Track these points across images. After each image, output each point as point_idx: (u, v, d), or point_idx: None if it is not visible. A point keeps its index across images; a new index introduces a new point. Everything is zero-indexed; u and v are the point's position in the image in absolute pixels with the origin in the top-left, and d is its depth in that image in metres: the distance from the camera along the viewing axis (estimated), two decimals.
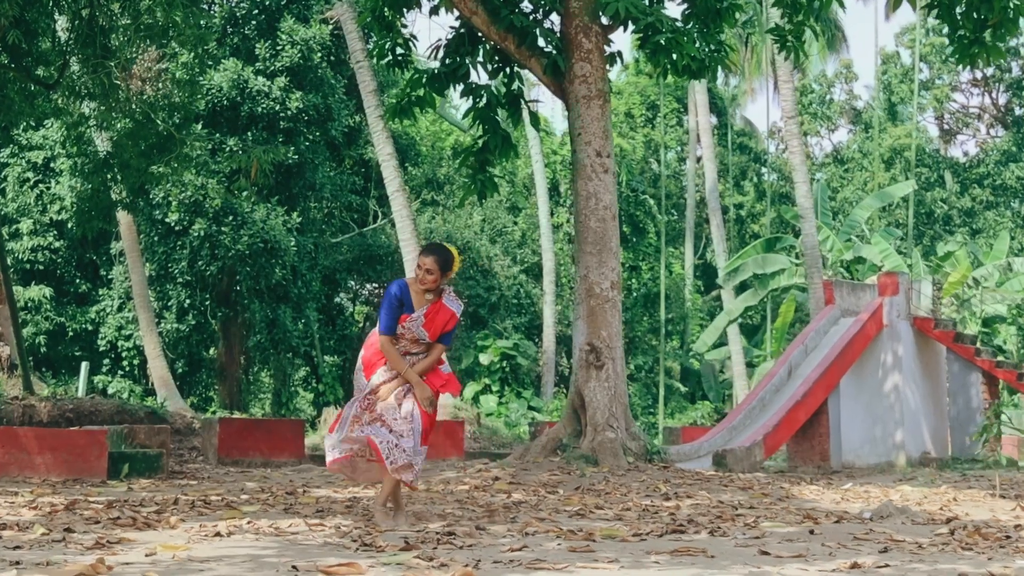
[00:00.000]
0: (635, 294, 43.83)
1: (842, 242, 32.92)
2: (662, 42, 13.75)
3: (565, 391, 35.56)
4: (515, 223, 38.89)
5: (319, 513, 7.83)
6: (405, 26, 15.14)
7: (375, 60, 14.91)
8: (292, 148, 26.72)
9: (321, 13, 27.55)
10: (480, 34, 14.43)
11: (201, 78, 19.47)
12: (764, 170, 50.10)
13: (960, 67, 45.97)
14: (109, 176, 13.56)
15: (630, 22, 13.98)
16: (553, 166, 39.62)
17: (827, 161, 47.57)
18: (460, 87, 14.79)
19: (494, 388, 30.60)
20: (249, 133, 25.93)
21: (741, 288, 36.45)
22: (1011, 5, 11.49)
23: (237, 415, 25.07)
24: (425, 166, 37.28)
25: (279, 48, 26.68)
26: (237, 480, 12.33)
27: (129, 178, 13.43)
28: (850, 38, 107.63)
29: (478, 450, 20.74)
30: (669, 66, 14.28)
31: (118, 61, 13.35)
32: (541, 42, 14.29)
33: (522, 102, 15.10)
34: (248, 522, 6.95)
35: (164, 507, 8.09)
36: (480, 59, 14.85)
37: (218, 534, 6.31)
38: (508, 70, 15.01)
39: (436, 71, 14.60)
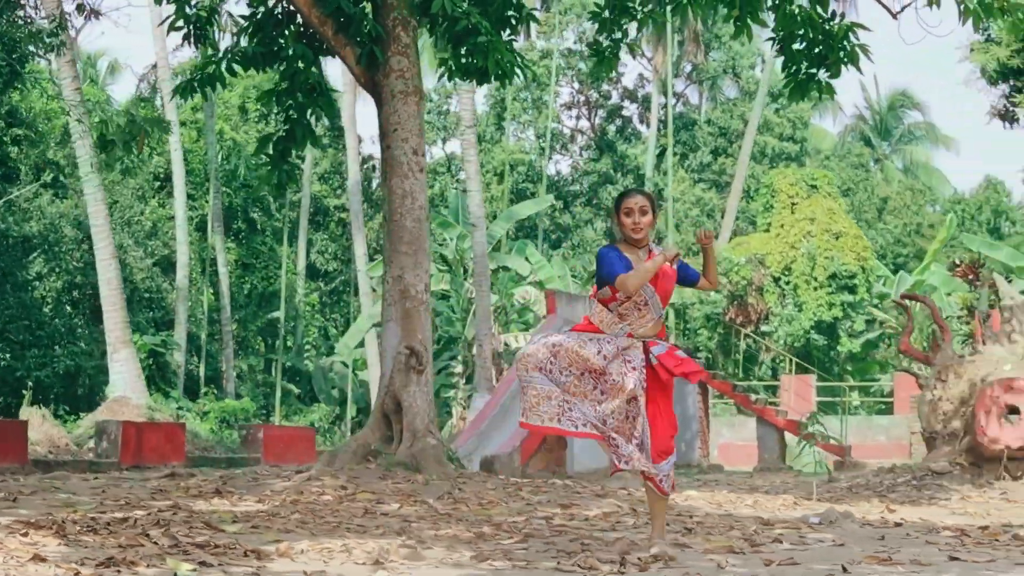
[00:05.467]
0: (249, 293, 42.83)
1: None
2: (478, 43, 13.70)
3: (215, 392, 34.01)
4: (143, 213, 36.66)
5: (359, 530, 7.08)
6: None
7: (168, 32, 13.65)
8: None
9: None
10: (296, 15, 13.63)
11: None
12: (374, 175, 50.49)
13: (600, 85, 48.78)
14: None
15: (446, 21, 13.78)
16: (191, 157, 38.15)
17: (441, 170, 48.74)
18: (269, 68, 13.91)
19: None
20: None
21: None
22: (847, 46, 12.48)
23: None
24: (43, 146, 34.23)
25: None
26: (35, 491, 10.78)
27: None
28: None
29: (194, 453, 19.53)
30: (456, 69, 14.32)
31: None
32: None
33: (327, 90, 14.39)
34: (400, 543, 6.10)
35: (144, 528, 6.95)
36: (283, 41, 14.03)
37: (377, 562, 5.58)
38: (312, 56, 14.26)
39: (250, 51, 13.59)
